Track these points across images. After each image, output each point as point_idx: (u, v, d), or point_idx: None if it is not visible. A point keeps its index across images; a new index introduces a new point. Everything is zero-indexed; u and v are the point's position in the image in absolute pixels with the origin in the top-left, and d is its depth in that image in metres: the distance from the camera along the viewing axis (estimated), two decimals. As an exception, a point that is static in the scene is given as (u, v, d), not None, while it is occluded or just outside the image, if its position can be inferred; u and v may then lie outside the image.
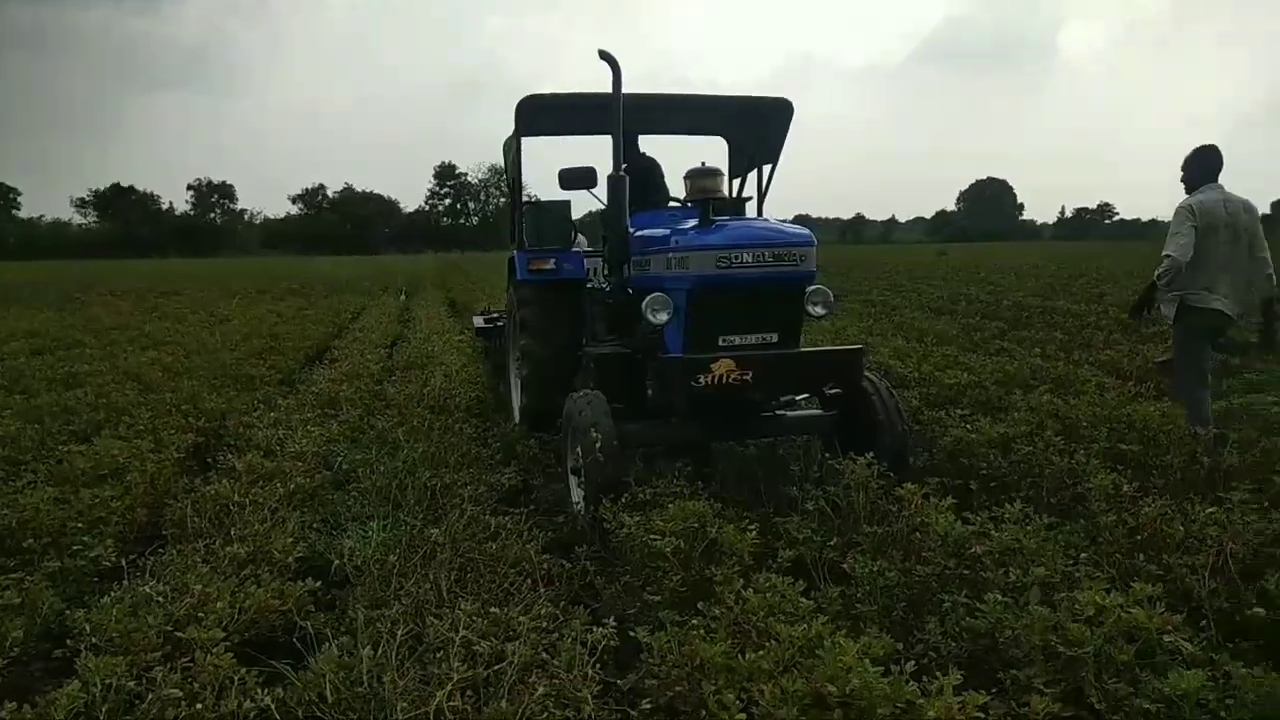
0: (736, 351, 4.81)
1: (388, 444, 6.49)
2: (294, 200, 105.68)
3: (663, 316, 4.87)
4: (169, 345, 12.23)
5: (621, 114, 5.18)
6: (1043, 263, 28.98)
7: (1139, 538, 3.89)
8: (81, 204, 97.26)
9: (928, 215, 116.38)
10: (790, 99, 6.33)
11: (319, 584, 3.90)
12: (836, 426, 5.28)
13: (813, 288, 5.05)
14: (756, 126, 6.68)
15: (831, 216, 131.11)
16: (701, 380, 4.54)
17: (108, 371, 9.49)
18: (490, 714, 2.76)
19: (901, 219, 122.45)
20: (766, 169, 6.72)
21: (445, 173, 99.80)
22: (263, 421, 7.41)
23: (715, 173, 5.06)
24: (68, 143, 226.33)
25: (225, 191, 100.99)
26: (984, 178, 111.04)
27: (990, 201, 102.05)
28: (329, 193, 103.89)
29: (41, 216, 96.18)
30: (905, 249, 61.28)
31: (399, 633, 3.29)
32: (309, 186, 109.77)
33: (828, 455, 5.17)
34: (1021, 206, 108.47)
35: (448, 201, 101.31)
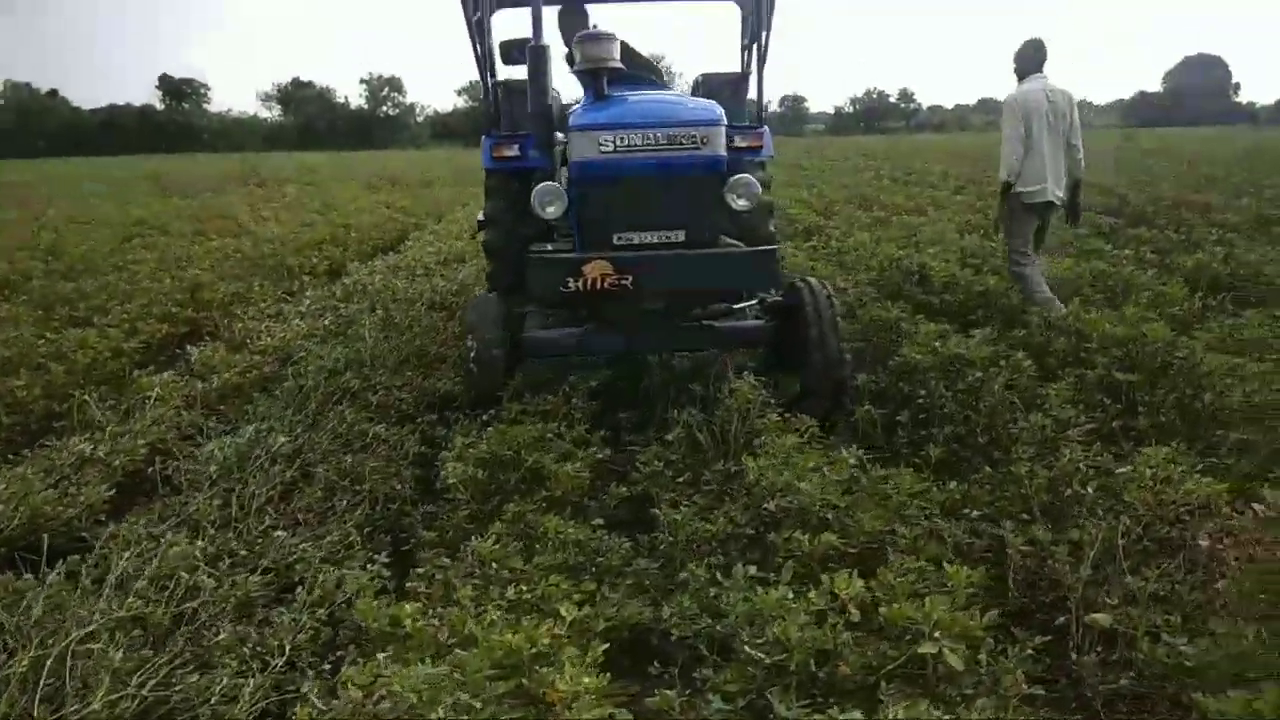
0: (635, 251, 4.19)
1: (354, 340, 6.24)
2: (459, 93, 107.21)
3: (551, 210, 4.26)
4: (249, 235, 12.44)
5: None
6: (1238, 153, 25.39)
7: (1066, 492, 3.12)
8: (266, 98, 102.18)
9: (1127, 96, 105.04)
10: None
11: (113, 492, 3.68)
12: (776, 339, 4.58)
13: (737, 176, 4.31)
14: None
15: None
16: (572, 284, 3.96)
17: (156, 261, 9.69)
18: (118, 662, 2.41)
19: (1099, 101, 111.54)
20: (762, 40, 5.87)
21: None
22: (257, 314, 7.35)
23: (606, 38, 4.31)
24: (252, 38, 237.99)
25: (395, 85, 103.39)
26: (1194, 54, 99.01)
27: (1201, 81, 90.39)
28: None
29: (229, 110, 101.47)
30: (1091, 134, 55.77)
31: (124, 559, 2.99)
32: (473, 80, 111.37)
33: (744, 373, 4.48)
34: (1237, 86, 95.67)
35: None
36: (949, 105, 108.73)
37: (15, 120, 79.22)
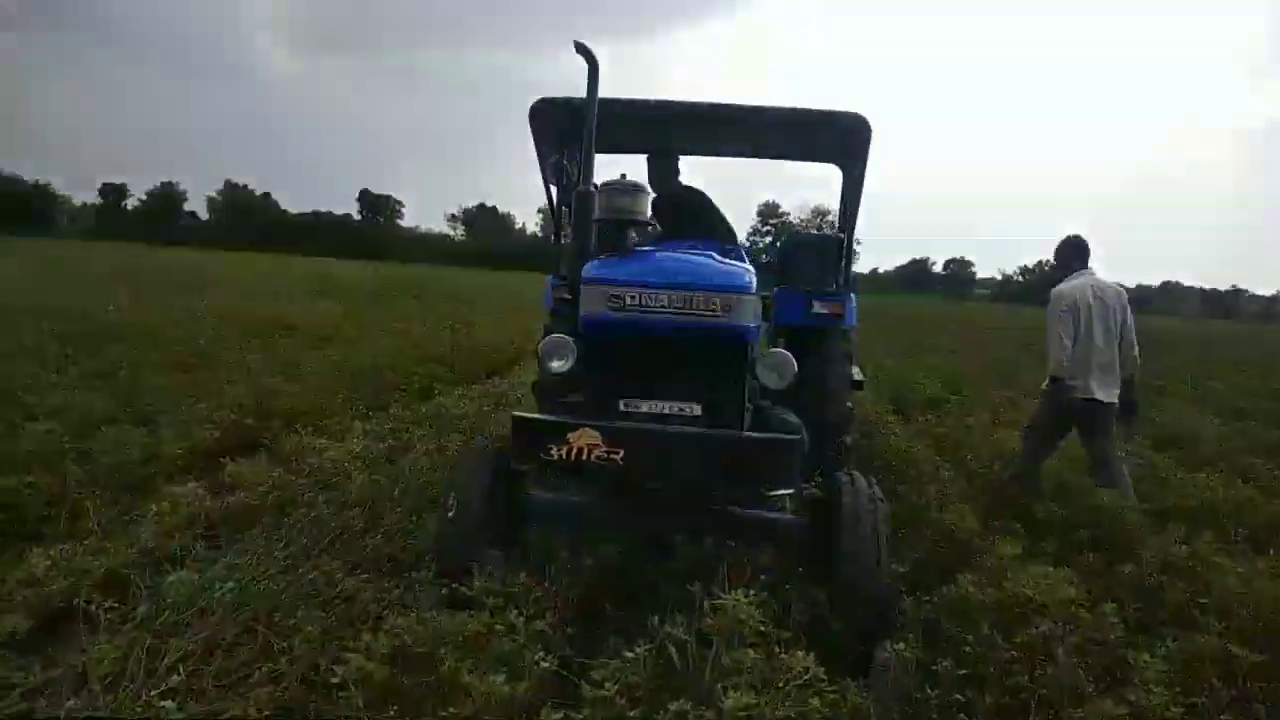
0: (645, 421, 3.68)
1: (397, 469, 5.90)
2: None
3: (556, 364, 3.81)
4: (366, 345, 12.61)
5: (595, 118, 4.17)
6: None
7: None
8: (453, 219, 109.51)
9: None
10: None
11: (30, 624, 3.33)
12: (810, 540, 3.89)
13: (771, 351, 3.78)
14: (850, 146, 5.42)
15: (1207, 287, 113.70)
16: (555, 452, 3.45)
17: (261, 361, 9.82)
18: None
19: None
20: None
21: (769, 211, 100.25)
22: (324, 429, 7.15)
23: (633, 189, 3.90)
24: (448, 163, 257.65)
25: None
26: None
27: None
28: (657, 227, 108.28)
29: (418, 227, 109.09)
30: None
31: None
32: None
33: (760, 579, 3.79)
34: None
35: (768, 239, 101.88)
36: (1130, 284, 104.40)
37: (231, 216, 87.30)
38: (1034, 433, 6.11)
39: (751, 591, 3.24)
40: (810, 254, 5.90)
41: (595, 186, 4.35)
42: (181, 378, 8.25)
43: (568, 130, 5.31)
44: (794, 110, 5.20)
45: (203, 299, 17.29)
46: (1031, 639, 3.15)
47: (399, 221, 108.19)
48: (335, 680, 2.75)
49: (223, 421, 6.67)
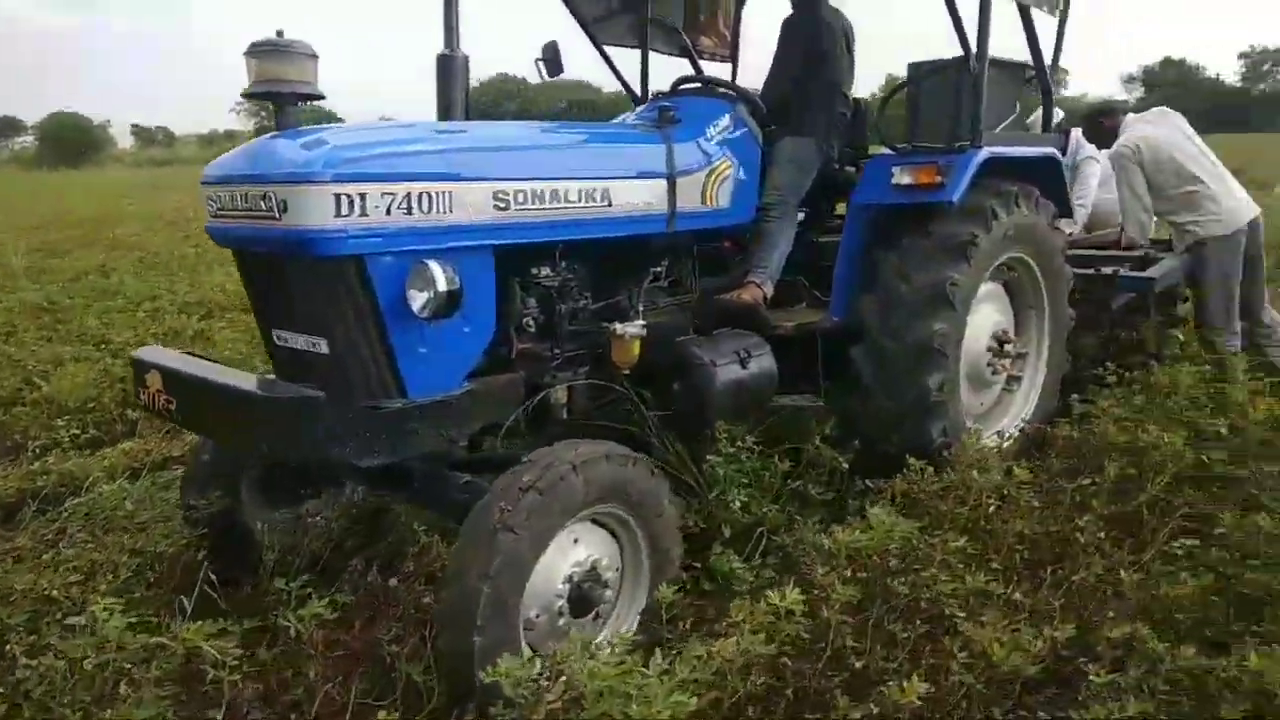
0: (285, 359, 2.86)
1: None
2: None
3: None
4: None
5: None
6: None
7: None
8: (1129, 79, 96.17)
9: None
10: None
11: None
12: None
13: (418, 264, 2.54)
14: None
15: None
16: (142, 397, 2.88)
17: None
18: None
19: None
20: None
21: None
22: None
23: (284, 50, 2.73)
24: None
25: (1277, 58, 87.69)
26: None
27: None
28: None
29: (1085, 95, 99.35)
30: None
31: None
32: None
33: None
34: None
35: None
36: None
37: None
38: (1217, 303, 5.13)
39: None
40: (943, 91, 3.91)
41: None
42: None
43: None
44: None
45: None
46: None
47: (1064, 91, 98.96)
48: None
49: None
